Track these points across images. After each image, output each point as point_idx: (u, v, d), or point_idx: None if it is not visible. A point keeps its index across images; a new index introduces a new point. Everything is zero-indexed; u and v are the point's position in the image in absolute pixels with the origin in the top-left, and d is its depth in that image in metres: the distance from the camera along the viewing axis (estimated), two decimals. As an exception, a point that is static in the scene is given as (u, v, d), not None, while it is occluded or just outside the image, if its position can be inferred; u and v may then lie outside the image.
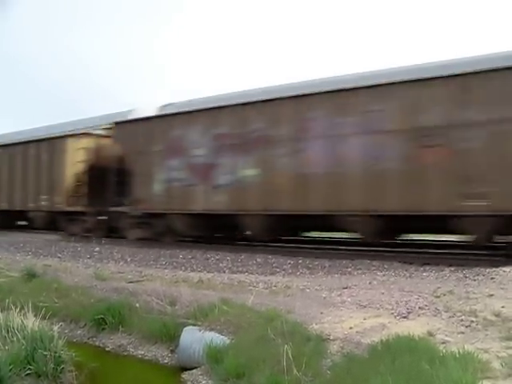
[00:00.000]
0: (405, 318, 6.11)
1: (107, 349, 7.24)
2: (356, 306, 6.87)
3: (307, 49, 71.01)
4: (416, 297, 7.07)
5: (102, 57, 75.58)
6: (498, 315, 5.83)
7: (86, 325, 7.79)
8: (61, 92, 65.96)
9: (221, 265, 11.65)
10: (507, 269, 8.63)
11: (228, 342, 6.00)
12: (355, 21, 66.58)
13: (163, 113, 16.01)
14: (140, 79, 73.53)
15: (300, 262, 11.47)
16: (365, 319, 6.09)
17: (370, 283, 8.57)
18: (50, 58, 73.80)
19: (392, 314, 6.31)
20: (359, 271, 10.10)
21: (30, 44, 73.38)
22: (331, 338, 5.55)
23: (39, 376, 5.38)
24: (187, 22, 76.81)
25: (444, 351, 4.66)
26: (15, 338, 5.76)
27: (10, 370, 5.04)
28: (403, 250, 11.95)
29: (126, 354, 7.04)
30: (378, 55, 53.15)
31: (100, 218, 17.68)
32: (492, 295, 6.84)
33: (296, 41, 71.61)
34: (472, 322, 5.70)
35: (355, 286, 8.31)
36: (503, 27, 50.59)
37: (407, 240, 13.24)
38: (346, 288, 8.10)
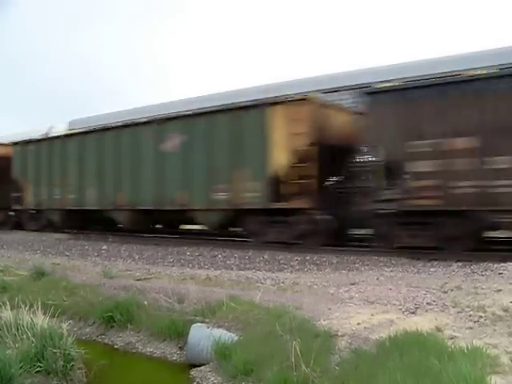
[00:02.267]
0: (413, 313, 6.10)
1: (116, 346, 7.26)
2: (364, 301, 6.86)
3: (307, 46, 71.10)
4: (424, 292, 7.07)
5: (103, 56, 75.95)
6: (506, 310, 5.81)
7: (94, 323, 7.81)
8: (62, 90, 66.39)
9: (228, 262, 11.67)
10: (515, 264, 8.60)
11: (236, 338, 6.01)
12: (354, 18, 66.51)
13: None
14: (141, 78, 73.88)
15: (307, 258, 11.48)
16: (373, 315, 6.09)
17: (377, 279, 8.56)
18: (51, 57, 74.24)
19: (400, 309, 6.30)
20: (367, 267, 10.10)
21: (33, 43, 73.82)
22: (339, 333, 5.55)
23: (49, 373, 5.41)
24: (187, 21, 77.09)
25: (452, 346, 4.66)
26: (25, 336, 5.80)
27: (21, 367, 5.08)
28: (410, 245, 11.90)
29: (134, 351, 7.06)
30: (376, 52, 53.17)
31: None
32: (500, 290, 6.82)
33: (296, 38, 71.73)
34: (480, 317, 5.69)
35: (363, 281, 8.30)
36: (501, 24, 50.44)
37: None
38: (354, 284, 8.10)
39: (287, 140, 12.79)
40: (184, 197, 14.80)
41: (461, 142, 10.45)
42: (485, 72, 10.75)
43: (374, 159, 11.83)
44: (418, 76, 12.30)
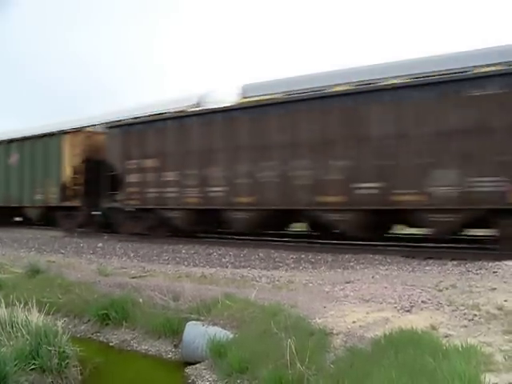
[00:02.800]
0: (408, 311, 6.12)
1: (111, 344, 7.26)
2: (359, 300, 6.88)
3: (306, 44, 71.02)
4: (419, 291, 7.08)
5: (101, 56, 75.73)
6: (500, 309, 5.84)
7: (89, 320, 7.81)
8: (61, 90, 66.19)
9: (223, 260, 11.67)
10: (510, 262, 8.64)
11: (231, 336, 6.01)
12: (354, 15, 66.48)
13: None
14: (139, 77, 73.67)
15: (303, 256, 11.48)
16: (368, 313, 6.10)
17: (372, 277, 8.57)
18: (50, 57, 74.02)
19: (395, 307, 6.31)
20: (362, 265, 10.11)
21: (31, 43, 73.49)
22: (334, 332, 5.56)
23: (44, 371, 5.39)
24: (185, 20, 76.89)
25: (447, 345, 4.67)
26: (20, 334, 5.78)
27: (15, 365, 5.06)
28: (406, 244, 11.96)
29: (129, 349, 7.05)
30: (378, 49, 53.16)
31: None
32: (495, 289, 6.85)
33: (294, 36, 71.62)
34: (475, 315, 5.71)
35: (358, 280, 8.31)
36: (501, 21, 50.50)
37: (410, 234, 13.26)
38: (349, 282, 8.11)
39: (70, 159, 18.68)
40: (20, 197, 20.66)
41: (149, 162, 15.83)
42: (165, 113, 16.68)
43: (112, 171, 17.02)
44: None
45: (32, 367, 5.32)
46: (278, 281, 8.69)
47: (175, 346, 6.73)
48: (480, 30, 54.27)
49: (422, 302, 6.47)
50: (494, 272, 8.26)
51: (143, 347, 6.99)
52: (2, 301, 6.59)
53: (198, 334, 6.27)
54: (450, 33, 57.93)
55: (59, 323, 6.09)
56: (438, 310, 6.11)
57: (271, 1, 75.37)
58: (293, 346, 4.89)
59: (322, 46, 70.58)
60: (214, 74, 66.55)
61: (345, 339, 5.38)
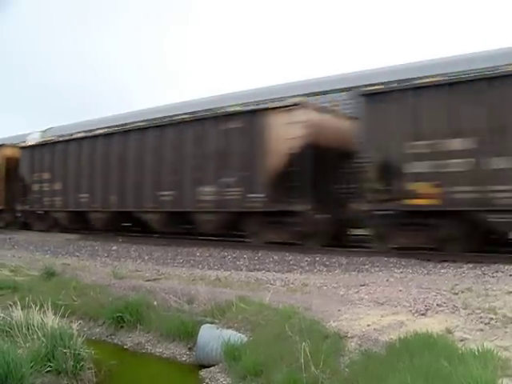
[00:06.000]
0: (423, 315, 6.08)
1: (125, 347, 7.29)
2: (373, 303, 6.84)
3: (317, 47, 70.92)
4: (434, 294, 7.03)
5: (112, 57, 76.35)
6: (517, 312, 5.77)
7: (104, 323, 7.84)
8: (71, 92, 66.95)
9: (238, 263, 11.67)
10: (527, 265, 8.54)
11: (246, 339, 6.01)
12: (355, 19, 66.32)
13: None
14: (150, 79, 74.12)
15: (317, 259, 11.45)
16: (382, 316, 6.06)
17: (387, 280, 8.53)
18: (60, 58, 74.79)
19: (410, 311, 6.28)
20: (376, 268, 10.06)
21: (40, 45, 74.30)
22: (349, 335, 5.54)
23: (59, 373, 5.43)
24: (196, 22, 77.13)
25: (463, 349, 4.63)
26: (35, 336, 5.83)
27: (31, 367, 5.10)
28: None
29: (144, 351, 7.08)
30: (378, 53, 52.93)
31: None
32: (511, 292, 6.77)
33: (307, 39, 71.51)
34: (491, 319, 5.65)
35: (373, 283, 8.27)
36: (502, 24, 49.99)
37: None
38: (364, 285, 8.07)
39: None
40: None
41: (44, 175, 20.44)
42: None
43: (24, 181, 21.23)
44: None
45: (47, 369, 5.36)
46: (292, 284, 8.68)
47: (189, 349, 6.74)
48: (479, 31, 53.60)
49: (438, 305, 6.42)
50: (510, 275, 8.17)
51: (157, 350, 7.01)
52: (19, 303, 6.66)
53: (213, 336, 6.27)
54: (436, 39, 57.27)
55: (74, 326, 6.12)
56: (453, 313, 6.06)
57: (288, 5, 75.31)
58: (307, 350, 4.89)
59: (329, 48, 70.43)
60: (227, 77, 66.74)
61: (359, 342, 5.36)
